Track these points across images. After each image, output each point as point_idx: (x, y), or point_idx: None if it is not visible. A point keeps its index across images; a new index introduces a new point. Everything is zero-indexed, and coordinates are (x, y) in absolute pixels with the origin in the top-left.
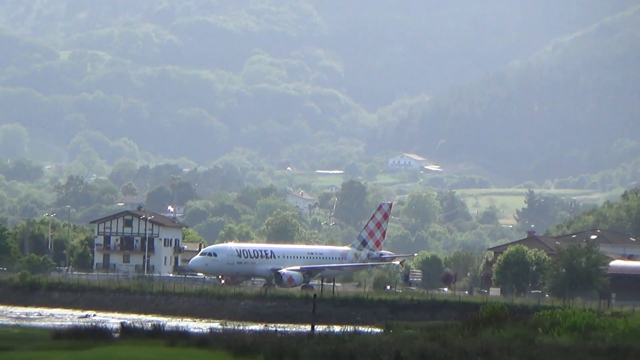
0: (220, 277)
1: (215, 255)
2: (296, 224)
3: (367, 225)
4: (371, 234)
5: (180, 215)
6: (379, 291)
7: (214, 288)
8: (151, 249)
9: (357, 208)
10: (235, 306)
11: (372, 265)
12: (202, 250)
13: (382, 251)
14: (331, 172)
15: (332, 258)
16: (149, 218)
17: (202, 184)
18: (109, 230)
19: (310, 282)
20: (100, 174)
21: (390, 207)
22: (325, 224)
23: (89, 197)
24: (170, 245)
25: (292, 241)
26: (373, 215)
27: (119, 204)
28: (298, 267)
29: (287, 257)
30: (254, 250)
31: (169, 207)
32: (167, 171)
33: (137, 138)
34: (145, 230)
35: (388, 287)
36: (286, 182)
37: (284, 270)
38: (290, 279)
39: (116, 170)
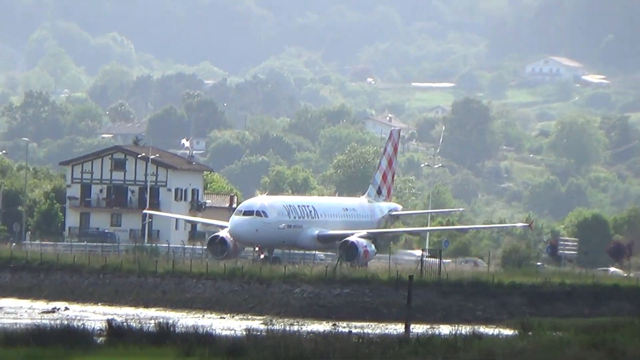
0: (257, 248)
1: (265, 215)
2: None
3: (379, 163)
4: (384, 177)
5: (200, 152)
6: (510, 272)
7: (252, 267)
8: (155, 204)
9: (477, 141)
10: (287, 294)
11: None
12: (241, 207)
13: (392, 203)
14: (436, 85)
15: (364, 215)
16: (152, 157)
17: (235, 104)
18: (88, 176)
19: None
20: (75, 88)
21: (399, 134)
22: (427, 165)
23: (58, 125)
24: (185, 199)
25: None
26: (385, 149)
27: (104, 135)
28: (364, 233)
29: (329, 215)
30: (299, 207)
31: (183, 141)
32: (180, 84)
33: (133, 33)
34: (146, 175)
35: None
36: (365, 102)
37: (355, 239)
38: (367, 252)
39: (100, 83)
